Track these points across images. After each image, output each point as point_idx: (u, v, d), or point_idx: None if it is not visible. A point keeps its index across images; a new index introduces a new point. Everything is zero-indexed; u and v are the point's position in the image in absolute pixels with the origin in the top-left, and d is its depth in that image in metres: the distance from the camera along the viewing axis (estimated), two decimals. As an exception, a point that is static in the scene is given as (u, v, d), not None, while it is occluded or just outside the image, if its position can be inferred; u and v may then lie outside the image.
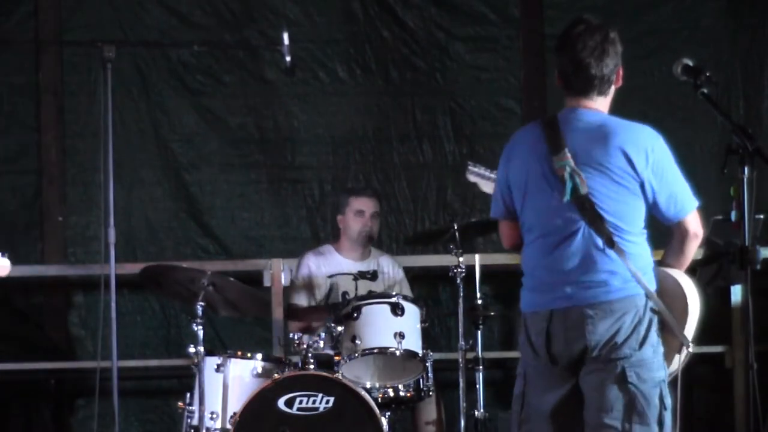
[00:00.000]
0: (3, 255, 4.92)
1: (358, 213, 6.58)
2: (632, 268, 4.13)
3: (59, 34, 7.61)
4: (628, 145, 4.12)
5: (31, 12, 7.59)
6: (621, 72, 4.25)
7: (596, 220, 4.16)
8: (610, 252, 4.17)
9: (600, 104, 4.27)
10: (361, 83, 7.68)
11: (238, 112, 7.66)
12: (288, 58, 5.87)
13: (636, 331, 4.17)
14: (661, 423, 4.19)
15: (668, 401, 4.18)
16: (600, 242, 4.17)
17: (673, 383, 4.24)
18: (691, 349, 4.12)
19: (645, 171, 4.11)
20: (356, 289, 6.21)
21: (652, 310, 4.14)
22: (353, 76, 7.68)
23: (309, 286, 6.56)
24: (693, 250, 4.20)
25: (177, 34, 7.60)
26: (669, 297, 4.15)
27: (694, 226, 4.17)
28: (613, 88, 4.27)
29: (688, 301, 4.13)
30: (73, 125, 7.59)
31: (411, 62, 7.69)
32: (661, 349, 4.13)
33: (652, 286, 4.15)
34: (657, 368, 4.16)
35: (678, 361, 4.15)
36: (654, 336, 4.15)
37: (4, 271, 4.94)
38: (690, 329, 4.13)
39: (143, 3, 7.61)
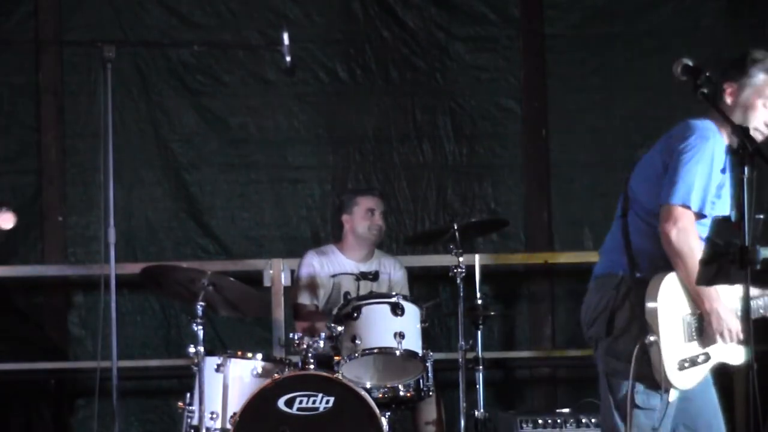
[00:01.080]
0: (6, 209, 4.94)
1: (368, 211, 6.60)
2: (629, 246, 4.23)
3: (59, 34, 7.61)
4: (674, 131, 4.34)
5: (31, 12, 7.60)
6: (729, 89, 4.37)
7: (624, 193, 4.39)
8: (620, 224, 4.36)
9: (714, 115, 4.35)
10: (361, 83, 7.68)
11: (238, 112, 7.67)
12: (288, 58, 5.86)
13: (604, 313, 4.25)
14: (630, 418, 4.21)
15: (646, 400, 4.24)
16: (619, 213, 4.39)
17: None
18: (647, 340, 4.18)
19: (665, 153, 4.30)
20: (358, 290, 6.23)
21: (633, 297, 4.17)
22: (353, 76, 7.68)
23: (313, 285, 6.56)
24: (666, 245, 4.23)
25: (177, 34, 7.61)
26: None
27: (664, 220, 4.23)
28: (724, 102, 4.37)
29: (646, 294, 4.20)
30: (73, 125, 7.59)
31: (411, 62, 7.69)
32: (658, 341, 4.16)
33: (651, 274, 4.21)
34: (642, 361, 4.19)
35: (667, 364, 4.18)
36: (634, 326, 4.21)
37: (8, 223, 4.97)
38: (651, 319, 4.17)
39: (143, 3, 7.61)
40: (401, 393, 5.88)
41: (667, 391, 4.22)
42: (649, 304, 4.22)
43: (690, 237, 4.21)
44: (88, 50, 7.40)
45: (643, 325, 4.21)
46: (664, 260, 4.25)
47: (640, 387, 4.26)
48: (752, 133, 4.30)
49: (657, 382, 4.22)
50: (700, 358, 4.27)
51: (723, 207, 4.29)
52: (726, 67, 4.42)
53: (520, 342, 7.66)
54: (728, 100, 4.37)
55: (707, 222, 4.22)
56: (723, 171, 4.29)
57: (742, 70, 4.37)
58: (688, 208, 4.22)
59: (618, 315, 4.30)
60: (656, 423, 4.25)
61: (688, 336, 4.27)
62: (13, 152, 7.62)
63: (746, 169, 3.84)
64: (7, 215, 5.05)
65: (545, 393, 7.65)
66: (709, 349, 4.29)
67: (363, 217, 6.61)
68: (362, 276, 6.32)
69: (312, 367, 5.70)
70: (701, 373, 4.31)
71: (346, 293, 6.21)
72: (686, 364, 4.24)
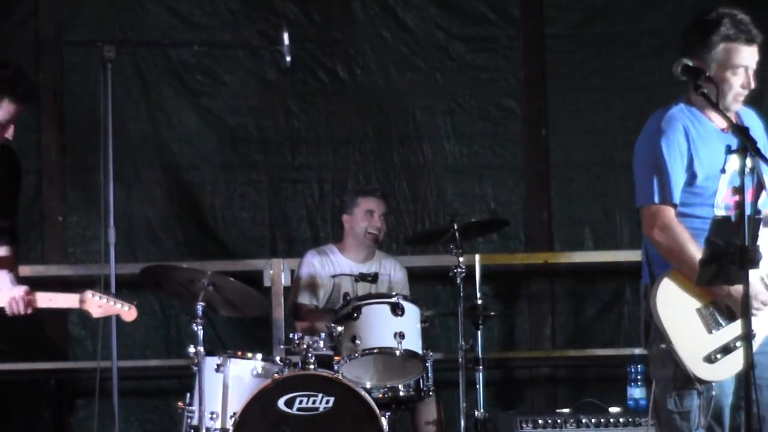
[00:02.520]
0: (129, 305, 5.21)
1: (368, 213, 6.61)
2: (648, 255, 4.31)
3: (59, 34, 7.61)
4: None
5: (31, 12, 7.60)
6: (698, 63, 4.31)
7: None
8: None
9: (687, 96, 4.46)
10: (361, 83, 7.68)
11: (238, 112, 7.66)
12: (288, 58, 5.87)
13: (641, 322, 4.30)
14: (668, 425, 4.21)
15: (678, 403, 4.23)
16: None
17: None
18: (660, 347, 4.22)
19: None
20: (356, 291, 6.24)
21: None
22: (353, 76, 7.68)
23: (313, 285, 6.56)
24: (656, 248, 4.27)
25: (177, 34, 7.60)
26: None
27: (644, 226, 4.30)
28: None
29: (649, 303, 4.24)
30: (73, 125, 7.59)
31: (411, 62, 7.69)
32: (671, 346, 4.17)
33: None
34: (667, 365, 4.22)
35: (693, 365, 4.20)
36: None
37: (131, 317, 5.22)
38: (659, 325, 4.21)
39: (143, 3, 7.61)
40: (401, 393, 5.89)
41: (701, 384, 4.19)
42: (652, 312, 4.22)
43: (672, 231, 4.24)
44: (88, 50, 7.39)
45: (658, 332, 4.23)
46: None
47: (673, 391, 4.25)
48: (732, 101, 4.30)
49: (691, 381, 4.21)
50: (738, 343, 4.16)
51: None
52: (686, 42, 4.35)
53: (520, 342, 7.66)
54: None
55: (696, 204, 4.25)
56: (690, 148, 4.29)
57: (701, 44, 4.30)
58: (657, 203, 4.26)
59: (651, 323, 4.30)
60: (694, 424, 4.23)
61: (711, 326, 4.23)
62: (13, 152, 7.61)
63: (746, 169, 3.84)
64: (132, 311, 5.24)
65: (545, 393, 7.65)
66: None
67: (362, 217, 6.63)
68: (361, 278, 6.34)
69: (312, 367, 5.71)
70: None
71: (346, 294, 6.22)
72: (718, 356, 4.19)
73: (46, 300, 5.09)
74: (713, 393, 4.20)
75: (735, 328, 4.18)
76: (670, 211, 4.26)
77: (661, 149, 4.28)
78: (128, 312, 5.24)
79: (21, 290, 5.08)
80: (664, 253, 4.24)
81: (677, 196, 4.27)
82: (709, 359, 4.18)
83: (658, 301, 4.20)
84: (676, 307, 4.22)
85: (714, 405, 4.20)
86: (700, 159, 4.26)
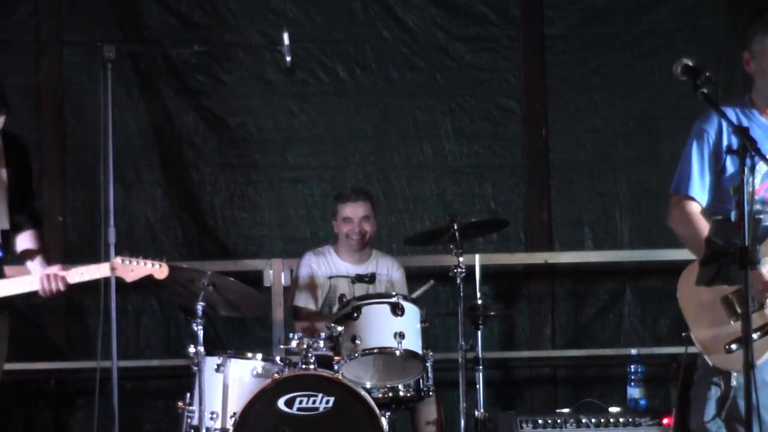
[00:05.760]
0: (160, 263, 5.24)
1: (346, 220, 6.59)
2: None
3: (59, 34, 7.61)
4: None
5: (31, 12, 7.60)
6: (746, 57, 4.37)
7: None
8: None
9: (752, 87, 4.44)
10: (361, 83, 7.68)
11: (238, 112, 7.66)
12: (288, 58, 5.87)
13: None
14: (690, 411, 4.31)
15: (696, 391, 4.28)
16: None
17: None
18: (684, 335, 4.25)
19: None
20: (353, 292, 6.24)
21: None
22: (353, 76, 7.68)
23: (311, 286, 6.56)
24: (678, 235, 4.34)
25: (177, 34, 7.61)
26: None
27: (669, 210, 4.37)
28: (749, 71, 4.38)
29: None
30: (73, 125, 7.59)
31: (411, 62, 7.69)
32: (690, 332, 4.23)
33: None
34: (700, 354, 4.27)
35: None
36: None
37: (163, 274, 5.25)
38: (683, 313, 4.26)
39: (143, 3, 7.61)
40: (401, 393, 5.89)
41: (720, 374, 4.19)
42: (678, 299, 4.27)
43: (681, 221, 4.33)
44: (88, 50, 7.40)
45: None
46: None
47: (701, 379, 4.28)
48: None
49: (711, 371, 4.22)
50: (757, 335, 4.13)
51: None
52: (744, 32, 4.41)
53: (520, 342, 7.66)
54: (747, 69, 4.39)
55: (727, 197, 4.20)
56: (720, 142, 4.32)
57: (751, 36, 4.35)
58: (672, 194, 4.37)
59: None
60: (708, 414, 4.24)
61: (733, 316, 4.21)
62: (13, 152, 7.60)
63: (746, 169, 3.84)
64: (164, 268, 5.27)
65: (545, 393, 7.65)
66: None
67: (341, 224, 6.62)
68: (358, 279, 6.34)
69: (312, 367, 5.71)
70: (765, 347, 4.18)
71: (342, 295, 6.21)
72: (733, 346, 4.16)
73: (78, 274, 5.16)
74: (733, 384, 4.18)
75: (757, 319, 4.15)
76: (684, 202, 4.33)
77: (690, 144, 4.36)
78: (160, 270, 5.28)
79: (54, 268, 5.15)
80: (682, 241, 4.35)
81: (696, 189, 4.33)
82: (727, 349, 4.17)
83: (682, 288, 4.23)
84: (699, 295, 4.20)
85: (732, 398, 4.19)
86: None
